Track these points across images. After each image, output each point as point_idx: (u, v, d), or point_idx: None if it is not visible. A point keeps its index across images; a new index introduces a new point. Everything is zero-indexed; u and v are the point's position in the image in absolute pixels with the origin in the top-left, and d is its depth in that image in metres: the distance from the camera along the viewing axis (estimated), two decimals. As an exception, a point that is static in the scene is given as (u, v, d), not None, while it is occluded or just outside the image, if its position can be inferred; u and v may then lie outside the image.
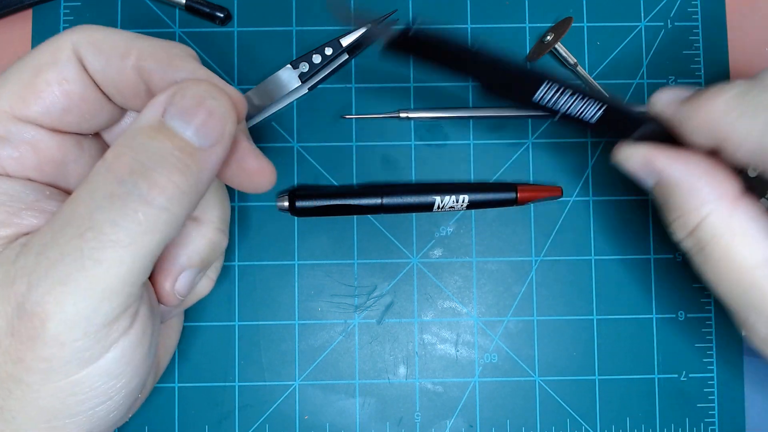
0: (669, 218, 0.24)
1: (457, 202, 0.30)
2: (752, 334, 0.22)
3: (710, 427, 0.31)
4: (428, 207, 0.30)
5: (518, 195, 0.30)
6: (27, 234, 0.19)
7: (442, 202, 0.30)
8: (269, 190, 0.21)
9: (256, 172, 0.21)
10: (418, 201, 0.30)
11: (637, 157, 0.24)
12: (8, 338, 0.17)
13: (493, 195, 0.30)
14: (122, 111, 0.23)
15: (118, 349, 0.19)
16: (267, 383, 0.31)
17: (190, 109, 0.18)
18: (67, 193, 0.21)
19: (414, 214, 0.31)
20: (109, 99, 0.21)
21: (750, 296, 0.22)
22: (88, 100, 0.21)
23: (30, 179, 0.21)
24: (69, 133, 0.21)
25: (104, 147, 0.24)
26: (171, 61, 0.20)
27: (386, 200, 0.30)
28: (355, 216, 0.31)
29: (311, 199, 0.29)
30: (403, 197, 0.30)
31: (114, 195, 0.17)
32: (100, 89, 0.21)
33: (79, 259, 0.17)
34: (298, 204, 0.29)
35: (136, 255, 0.17)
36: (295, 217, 0.31)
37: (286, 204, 0.30)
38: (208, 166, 0.18)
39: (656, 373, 0.31)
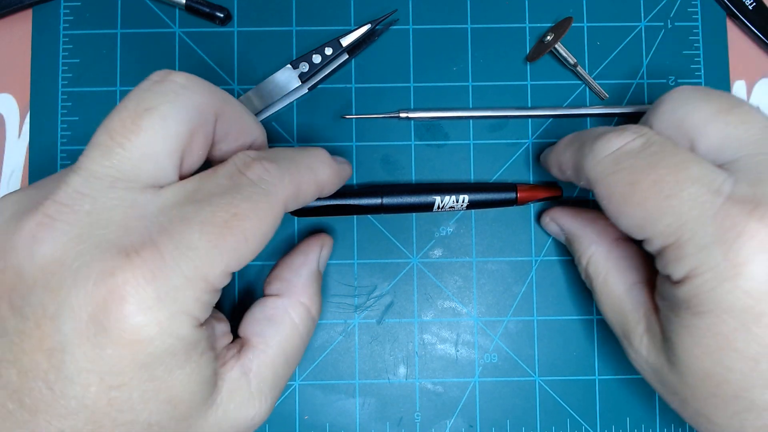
0: (576, 263, 0.29)
1: (457, 202, 0.30)
2: (627, 356, 0.26)
3: (710, 427, 0.31)
4: (428, 207, 0.30)
5: (518, 195, 0.30)
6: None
7: (442, 202, 0.30)
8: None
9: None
10: (418, 201, 0.30)
11: (549, 221, 0.30)
12: None
13: (493, 195, 0.30)
14: None
15: None
16: (267, 383, 0.31)
17: (326, 258, 0.29)
18: None
19: (414, 213, 0.31)
20: None
21: (619, 319, 0.26)
22: None
23: None
24: None
25: None
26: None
27: (386, 200, 0.30)
28: (355, 216, 0.31)
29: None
30: (403, 197, 0.30)
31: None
32: None
33: None
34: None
35: None
36: (296, 228, 0.31)
37: None
38: None
39: (656, 373, 0.31)
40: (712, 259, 0.20)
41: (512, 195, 0.30)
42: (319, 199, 0.29)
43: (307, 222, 0.31)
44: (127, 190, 0.20)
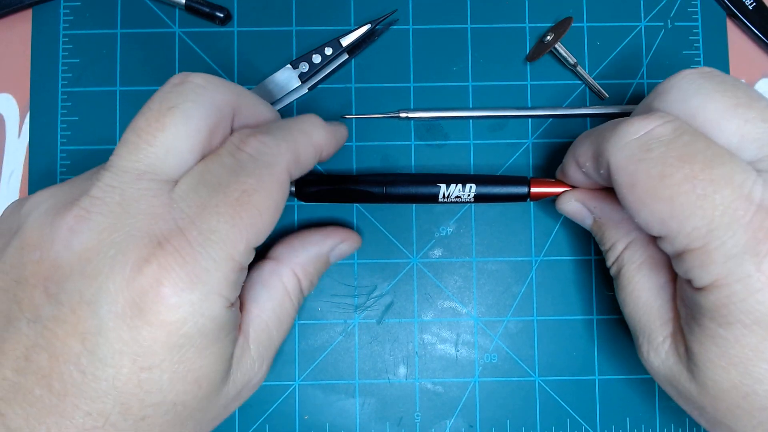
0: (603, 250, 0.27)
1: (463, 190, 0.28)
2: (640, 354, 0.25)
3: (710, 427, 0.31)
4: (433, 196, 0.28)
5: (531, 190, 0.28)
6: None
7: (447, 190, 0.28)
8: None
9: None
10: (423, 190, 0.28)
11: (574, 202, 0.28)
12: None
13: (503, 189, 0.28)
14: None
15: None
16: (267, 383, 0.31)
17: (342, 252, 0.29)
18: None
19: (414, 212, 0.31)
20: None
21: (644, 315, 0.25)
22: None
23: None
24: None
25: None
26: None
27: (389, 188, 0.28)
28: (355, 215, 0.31)
29: (317, 185, 0.28)
30: (407, 185, 0.28)
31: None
32: None
33: None
34: (305, 189, 0.28)
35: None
36: (295, 217, 0.31)
37: (293, 188, 0.29)
38: None
39: (656, 373, 0.31)
40: (743, 269, 0.19)
41: (524, 189, 0.28)
42: (321, 183, 0.28)
43: (309, 213, 0.31)
44: (152, 181, 0.21)
